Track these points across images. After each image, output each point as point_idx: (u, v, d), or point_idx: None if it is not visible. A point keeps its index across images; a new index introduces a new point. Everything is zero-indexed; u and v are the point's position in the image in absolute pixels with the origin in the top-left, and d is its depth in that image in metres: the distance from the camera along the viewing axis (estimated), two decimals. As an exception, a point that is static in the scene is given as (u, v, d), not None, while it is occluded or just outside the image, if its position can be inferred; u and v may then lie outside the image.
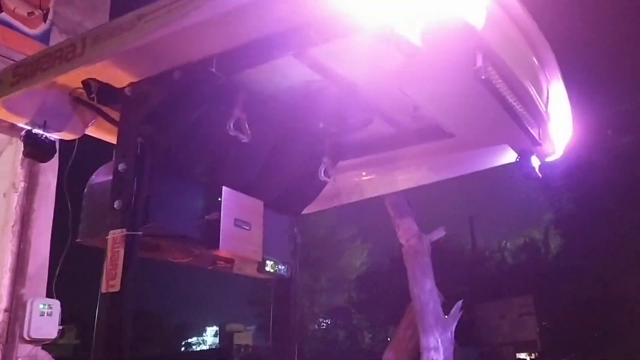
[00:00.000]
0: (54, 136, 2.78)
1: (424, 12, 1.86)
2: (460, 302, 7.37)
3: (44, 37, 5.71)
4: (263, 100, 2.81)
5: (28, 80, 2.51)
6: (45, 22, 5.80)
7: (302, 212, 3.50)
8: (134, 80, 2.63)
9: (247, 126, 2.65)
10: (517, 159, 2.98)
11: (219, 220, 2.80)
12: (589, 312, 22.20)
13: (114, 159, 2.64)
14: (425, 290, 7.32)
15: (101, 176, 2.79)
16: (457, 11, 1.95)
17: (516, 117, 2.50)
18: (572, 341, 20.87)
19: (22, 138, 2.71)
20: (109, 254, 2.47)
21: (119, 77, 2.63)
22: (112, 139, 3.04)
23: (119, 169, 2.54)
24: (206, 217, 2.80)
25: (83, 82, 2.60)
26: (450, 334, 7.21)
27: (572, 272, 23.15)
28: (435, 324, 7.19)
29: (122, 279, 2.40)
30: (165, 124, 2.65)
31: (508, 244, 27.13)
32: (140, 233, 2.46)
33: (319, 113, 2.83)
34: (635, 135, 18.62)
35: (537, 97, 2.52)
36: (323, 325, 29.77)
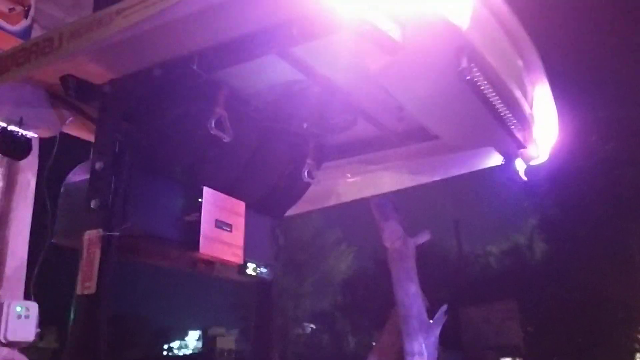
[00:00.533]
0: (30, 133, 2.69)
1: (405, 10, 1.82)
2: (444, 307, 7.34)
3: (25, 34, 5.59)
4: (245, 99, 2.75)
5: (3, 76, 2.43)
6: (26, 19, 5.69)
7: (285, 214, 3.44)
8: (113, 77, 2.56)
9: (228, 125, 2.58)
10: (503, 162, 2.95)
11: (199, 222, 2.73)
12: (573, 317, 22.35)
13: (91, 157, 2.57)
14: (409, 294, 7.27)
15: (78, 175, 2.71)
16: (440, 11, 1.90)
17: (500, 119, 2.46)
18: (556, 346, 20.99)
19: None
20: (84, 254, 2.40)
21: (98, 74, 2.55)
22: (90, 137, 2.97)
23: (96, 167, 2.47)
24: (185, 218, 2.74)
25: (61, 79, 2.53)
26: (434, 339, 7.17)
27: (556, 277, 23.29)
28: (419, 328, 7.15)
29: (98, 280, 2.33)
30: (144, 122, 2.58)
31: (493, 248, 27.24)
32: (117, 234, 2.39)
33: (302, 113, 2.78)
34: (619, 141, 18.79)
35: (522, 99, 2.48)
36: (307, 330, 29.69)
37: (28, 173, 5.88)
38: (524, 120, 2.59)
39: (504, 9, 2.17)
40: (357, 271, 28.05)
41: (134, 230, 2.51)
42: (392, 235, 7.49)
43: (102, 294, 2.31)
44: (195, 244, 2.71)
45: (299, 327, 29.12)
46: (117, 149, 2.48)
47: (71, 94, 2.53)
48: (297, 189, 3.29)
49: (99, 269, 2.34)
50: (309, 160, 3.11)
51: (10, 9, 5.56)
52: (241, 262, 2.97)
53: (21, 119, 2.63)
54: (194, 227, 2.73)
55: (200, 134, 2.67)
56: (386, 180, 3.41)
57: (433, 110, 2.59)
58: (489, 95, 2.26)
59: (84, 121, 2.83)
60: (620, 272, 21.99)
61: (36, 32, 5.77)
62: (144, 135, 2.59)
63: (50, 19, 5.92)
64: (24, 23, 5.64)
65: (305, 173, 3.10)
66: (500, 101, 2.35)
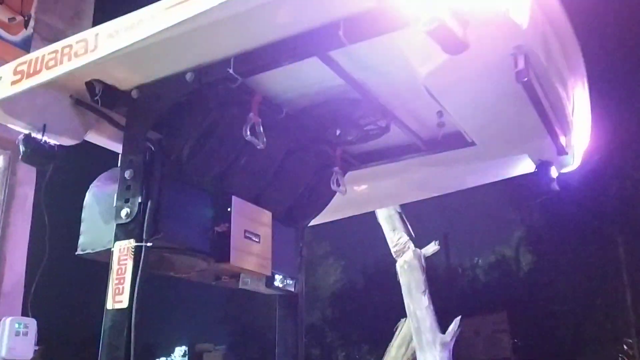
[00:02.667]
0: (52, 141, 2.59)
1: (472, 7, 1.76)
2: (458, 319, 7.27)
3: (25, 44, 5.50)
4: (276, 105, 2.67)
5: (31, 79, 2.32)
6: (26, 29, 5.60)
7: (309, 224, 3.36)
8: (142, 82, 2.47)
9: (262, 131, 2.50)
10: (536, 170, 2.90)
11: (228, 233, 2.64)
12: (561, 328, 22.45)
13: (119, 165, 2.47)
14: (422, 306, 7.20)
15: (103, 184, 2.61)
16: (504, 7, 1.84)
17: (548, 124, 2.40)
18: (545, 357, 21.02)
19: (20, 142, 2.51)
20: (114, 267, 2.30)
21: (125, 79, 2.47)
22: (112, 145, 2.87)
23: (126, 176, 2.38)
24: (215, 228, 2.64)
25: (87, 84, 2.43)
26: (448, 353, 7.10)
27: (543, 288, 23.40)
28: (433, 341, 7.07)
29: (130, 294, 2.23)
30: (175, 129, 2.49)
31: (480, 261, 27.33)
32: (150, 245, 2.29)
33: (336, 120, 2.70)
34: (604, 153, 18.98)
35: (567, 103, 2.43)
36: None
37: (26, 187, 5.76)
38: (566, 126, 2.55)
39: (556, 6, 2.12)
40: (345, 285, 27.91)
41: (165, 241, 2.41)
42: (401, 247, 7.41)
43: (134, 308, 2.20)
44: (226, 256, 2.62)
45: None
46: (147, 157, 2.39)
47: (97, 99, 2.44)
48: (323, 198, 3.21)
49: (132, 281, 2.24)
50: (336, 169, 3.03)
51: (10, 19, 5.46)
52: (269, 273, 2.88)
53: (44, 125, 2.53)
54: (224, 238, 2.64)
55: (232, 142, 2.59)
56: (415, 188, 3.34)
57: (476, 115, 2.53)
58: (541, 99, 2.20)
59: (107, 128, 2.73)
60: (605, 283, 22.17)
61: (36, 43, 5.67)
62: (175, 143, 2.50)
63: (50, 30, 5.83)
64: (24, 33, 5.54)
65: (334, 182, 3.02)
66: (549, 105, 2.30)
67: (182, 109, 2.46)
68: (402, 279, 7.46)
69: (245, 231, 2.73)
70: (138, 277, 2.24)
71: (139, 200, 2.32)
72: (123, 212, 2.33)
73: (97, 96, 2.43)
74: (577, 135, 2.71)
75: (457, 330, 7.22)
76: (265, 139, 2.51)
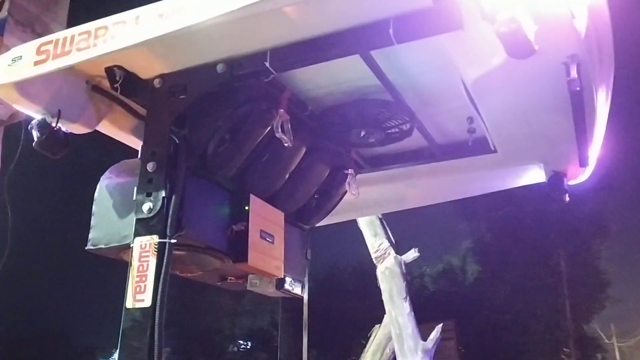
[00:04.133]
0: (64, 128, 2.43)
1: (545, 11, 1.73)
2: (440, 326, 7.30)
3: (-1, 27, 5.21)
4: (303, 102, 2.60)
5: (59, 60, 2.18)
6: (0, 11, 5.31)
7: (315, 225, 3.28)
8: (165, 71, 2.36)
9: (289, 128, 2.43)
10: (549, 180, 2.91)
11: (246, 232, 2.55)
12: (504, 337, 23.01)
13: (140, 157, 2.34)
14: (404, 313, 7.19)
15: (116, 177, 2.48)
16: (570, 14, 1.83)
17: (582, 135, 2.39)
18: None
19: (34, 127, 2.34)
20: (134, 264, 2.17)
21: (148, 67, 2.35)
22: (121, 136, 2.73)
23: (148, 168, 2.26)
24: (233, 227, 2.54)
25: (107, 69, 2.30)
26: (429, 359, 7.10)
27: (488, 298, 23.93)
28: (415, 348, 7.07)
29: (154, 292, 2.11)
30: (202, 122, 2.39)
31: (428, 269, 27.68)
32: (174, 241, 2.18)
33: (363, 120, 2.64)
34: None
35: (596, 115, 2.44)
36: (242, 348, 29.10)
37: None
38: (591, 138, 2.56)
39: (606, 16, 2.10)
40: (312, 290, 27.64)
41: (189, 238, 2.30)
42: (382, 252, 7.39)
43: (158, 307, 2.09)
44: (243, 256, 2.52)
45: (234, 345, 28.49)
46: (171, 149, 2.28)
47: (117, 87, 2.31)
48: (332, 200, 3.15)
49: (155, 279, 2.12)
50: (350, 171, 2.98)
51: (-17, 0, 5.17)
52: (282, 275, 2.80)
53: (59, 111, 2.37)
54: (241, 238, 2.54)
55: (256, 138, 2.51)
56: (419, 194, 3.31)
57: (508, 121, 2.50)
58: (586, 109, 2.20)
59: (118, 118, 2.60)
60: (546, 294, 22.88)
61: (10, 27, 5.39)
62: (201, 136, 2.40)
63: (25, 14, 5.54)
64: (-3, 15, 5.25)
65: (349, 184, 2.96)
66: (588, 117, 2.30)
67: (212, 100, 2.35)
68: (383, 285, 7.44)
69: (261, 231, 2.64)
70: (162, 275, 2.12)
71: (163, 195, 2.21)
72: (145, 207, 2.21)
73: (117, 83, 2.30)
74: (593, 148, 2.74)
75: (438, 337, 7.26)
76: (292, 137, 2.44)
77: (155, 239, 2.17)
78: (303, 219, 3.12)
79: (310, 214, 3.13)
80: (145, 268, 2.15)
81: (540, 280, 22.92)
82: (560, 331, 22.93)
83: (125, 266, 2.24)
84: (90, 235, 2.41)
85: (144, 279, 2.14)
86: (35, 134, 2.32)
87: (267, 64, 2.16)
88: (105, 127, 2.63)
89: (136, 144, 2.76)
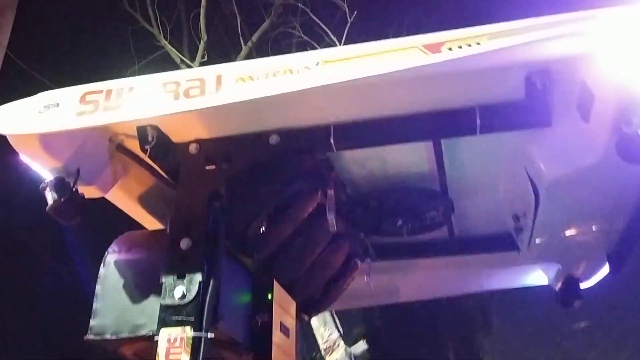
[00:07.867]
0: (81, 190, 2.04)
1: None
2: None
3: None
4: (344, 183, 2.39)
5: (105, 115, 1.85)
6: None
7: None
8: (204, 136, 2.10)
9: (334, 209, 2.20)
10: (563, 285, 2.82)
11: (270, 323, 2.22)
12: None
13: (169, 232, 2.00)
14: None
15: (126, 252, 2.13)
16: None
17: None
18: None
19: (49, 188, 1.94)
20: None
21: (184, 130, 2.08)
22: (129, 205, 2.37)
23: (182, 246, 1.93)
24: (257, 318, 2.22)
25: (139, 128, 2.00)
26: None
27: None
28: None
29: None
30: (246, 196, 2.10)
31: None
32: (212, 335, 1.84)
33: (400, 209, 2.45)
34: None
35: None
36: None
37: None
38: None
39: None
40: None
41: (223, 331, 1.96)
42: (331, 343, 6.99)
43: None
44: (266, 352, 2.19)
45: None
46: (210, 225, 1.98)
47: (147, 149, 2.01)
48: (338, 290, 2.85)
49: None
50: (368, 260, 2.76)
51: None
52: None
53: (78, 170, 2.00)
54: (265, 331, 2.21)
55: (300, 219, 2.25)
56: (437, 286, 3.13)
57: (556, 224, 2.38)
58: None
59: (131, 183, 2.27)
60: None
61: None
62: (241, 212, 2.10)
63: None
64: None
65: (366, 275, 2.73)
66: None
67: (256, 173, 2.08)
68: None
69: (281, 324, 2.33)
70: None
71: (199, 278, 1.88)
72: (177, 291, 1.87)
73: (149, 144, 2.00)
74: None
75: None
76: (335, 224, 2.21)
77: (188, 331, 1.83)
78: (307, 309, 2.80)
79: (314, 304, 2.82)
80: None
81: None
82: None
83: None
84: (92, 322, 2.02)
85: None
86: (50, 196, 1.93)
87: (332, 141, 1.97)
88: (115, 196, 2.28)
89: (142, 214, 2.42)
